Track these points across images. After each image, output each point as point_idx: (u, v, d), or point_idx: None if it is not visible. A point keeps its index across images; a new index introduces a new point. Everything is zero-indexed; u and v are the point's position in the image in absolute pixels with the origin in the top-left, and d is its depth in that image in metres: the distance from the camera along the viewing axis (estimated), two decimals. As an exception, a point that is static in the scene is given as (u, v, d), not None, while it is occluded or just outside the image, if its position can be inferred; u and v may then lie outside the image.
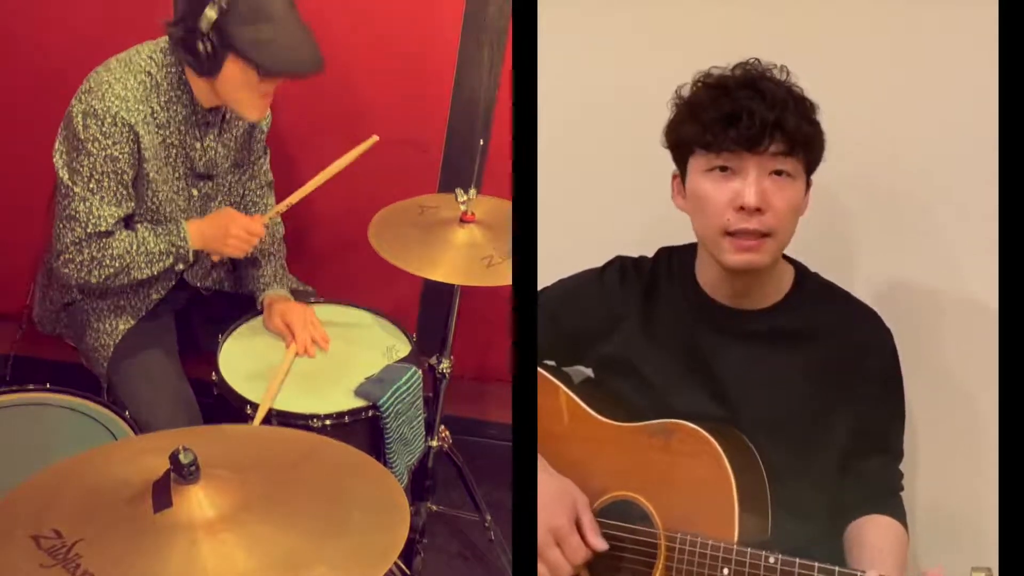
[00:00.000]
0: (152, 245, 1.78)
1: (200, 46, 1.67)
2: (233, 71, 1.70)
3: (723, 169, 1.39)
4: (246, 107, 1.77)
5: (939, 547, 1.65)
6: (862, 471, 1.50)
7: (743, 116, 1.35)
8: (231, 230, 1.82)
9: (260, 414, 1.69)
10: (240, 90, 1.74)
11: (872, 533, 1.47)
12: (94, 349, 1.91)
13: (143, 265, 1.78)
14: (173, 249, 1.80)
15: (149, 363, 1.88)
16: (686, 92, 1.44)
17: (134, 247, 1.76)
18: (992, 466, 1.47)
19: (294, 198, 1.87)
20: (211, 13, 1.64)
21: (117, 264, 1.75)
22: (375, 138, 1.87)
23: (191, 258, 1.83)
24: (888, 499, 1.52)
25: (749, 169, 1.37)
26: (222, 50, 1.67)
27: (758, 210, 1.37)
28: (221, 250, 1.85)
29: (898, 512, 1.50)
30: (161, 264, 1.80)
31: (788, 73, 1.41)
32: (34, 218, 1.97)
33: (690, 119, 1.42)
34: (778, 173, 1.38)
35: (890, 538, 1.46)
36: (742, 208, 1.37)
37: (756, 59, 1.42)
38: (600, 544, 1.45)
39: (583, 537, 1.45)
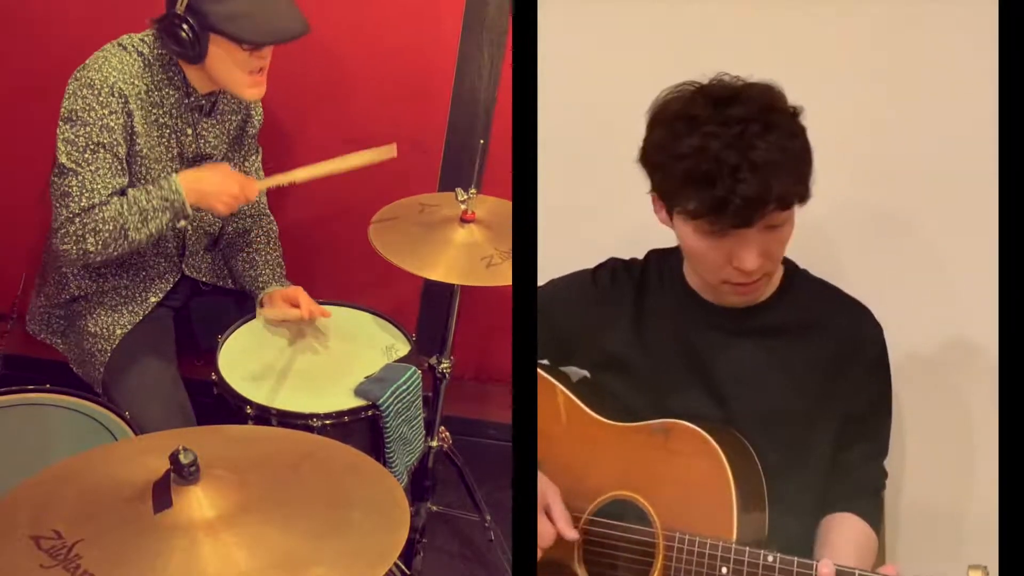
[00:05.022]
0: (144, 202, 1.73)
1: (182, 32, 1.69)
2: (218, 51, 1.71)
3: (715, 233, 1.34)
4: (241, 87, 1.77)
5: (934, 545, 1.65)
6: (846, 463, 1.50)
7: (737, 201, 1.26)
8: (234, 190, 1.78)
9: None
10: (231, 69, 1.74)
11: (836, 528, 1.47)
12: (90, 354, 1.90)
13: (139, 224, 1.72)
14: (167, 203, 1.74)
15: (145, 371, 1.87)
16: (659, 134, 1.34)
17: (126, 207, 1.72)
18: (989, 464, 1.47)
19: (298, 176, 1.83)
20: None
21: (111, 226, 1.70)
22: (394, 149, 1.85)
23: (189, 211, 1.77)
24: (866, 496, 1.51)
25: (744, 234, 1.32)
26: (202, 32, 1.69)
27: None
28: (219, 207, 1.79)
29: (872, 512, 1.50)
30: (158, 221, 1.74)
31: (774, 92, 1.33)
32: (28, 216, 1.97)
33: (677, 185, 1.32)
34: (772, 226, 1.33)
35: (853, 535, 1.46)
36: (744, 271, 1.35)
37: (737, 79, 1.33)
38: (570, 534, 1.44)
39: (554, 525, 1.45)
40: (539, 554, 1.46)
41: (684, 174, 1.30)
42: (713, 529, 1.37)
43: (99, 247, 1.71)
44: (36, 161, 1.82)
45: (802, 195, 1.32)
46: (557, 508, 1.47)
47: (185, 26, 1.68)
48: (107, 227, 1.71)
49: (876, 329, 1.52)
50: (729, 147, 1.27)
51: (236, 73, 1.75)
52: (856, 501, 1.50)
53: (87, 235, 1.70)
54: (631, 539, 1.46)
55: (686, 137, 1.30)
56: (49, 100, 1.78)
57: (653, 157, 1.37)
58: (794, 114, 1.34)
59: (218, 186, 1.78)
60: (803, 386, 1.48)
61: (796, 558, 1.29)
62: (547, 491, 1.48)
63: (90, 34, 1.82)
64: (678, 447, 1.44)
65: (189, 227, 1.94)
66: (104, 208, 1.72)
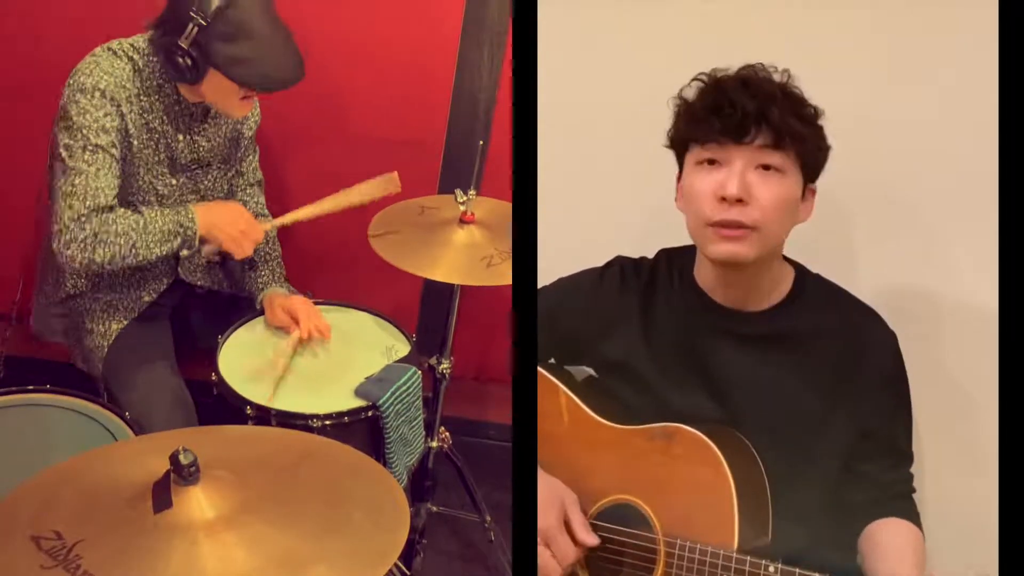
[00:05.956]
0: (160, 223, 1.74)
1: (180, 60, 1.69)
2: (214, 82, 1.72)
3: (711, 162, 1.40)
4: (229, 109, 1.79)
5: (938, 547, 1.65)
6: (870, 473, 1.49)
7: (726, 106, 1.37)
8: (234, 223, 1.81)
9: (271, 392, 1.74)
10: (222, 97, 1.76)
11: (887, 535, 1.47)
12: (90, 351, 1.91)
13: (152, 244, 1.73)
14: (180, 230, 1.76)
15: (143, 362, 1.87)
16: (686, 92, 1.45)
17: (140, 224, 1.73)
18: (992, 466, 1.46)
19: (302, 214, 1.88)
20: (192, 30, 1.65)
21: (122, 241, 1.71)
22: (397, 181, 1.89)
23: (196, 243, 1.79)
24: (899, 501, 1.51)
25: (734, 161, 1.38)
26: (203, 64, 1.69)
27: (740, 201, 1.37)
28: (225, 241, 1.81)
29: (911, 514, 1.50)
30: (169, 245, 1.75)
31: (789, 76, 1.42)
32: (26, 217, 1.97)
33: (683, 115, 1.44)
34: (766, 168, 1.38)
35: (905, 539, 1.46)
36: (724, 199, 1.38)
37: (761, 64, 1.42)
38: (591, 540, 1.45)
39: (573, 535, 1.45)
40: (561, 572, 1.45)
41: (698, 103, 1.42)
42: (715, 536, 1.36)
43: (106, 259, 1.71)
44: (34, 161, 1.82)
45: (797, 135, 1.38)
46: (577, 516, 1.46)
47: (187, 58, 1.69)
48: (118, 241, 1.71)
49: (889, 336, 1.50)
50: (737, 81, 1.40)
51: (227, 100, 1.77)
52: (891, 505, 1.50)
53: (96, 246, 1.70)
54: (632, 544, 1.45)
55: (710, 91, 1.42)
56: (46, 101, 1.78)
57: (676, 112, 1.46)
58: (810, 101, 1.42)
59: (228, 222, 1.81)
60: (812, 391, 1.47)
61: (797, 569, 1.30)
62: (565, 498, 1.47)
63: (86, 34, 1.82)
64: (680, 452, 1.43)
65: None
66: (115, 218, 1.71)
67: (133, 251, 1.73)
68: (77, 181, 1.70)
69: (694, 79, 1.44)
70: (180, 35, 1.66)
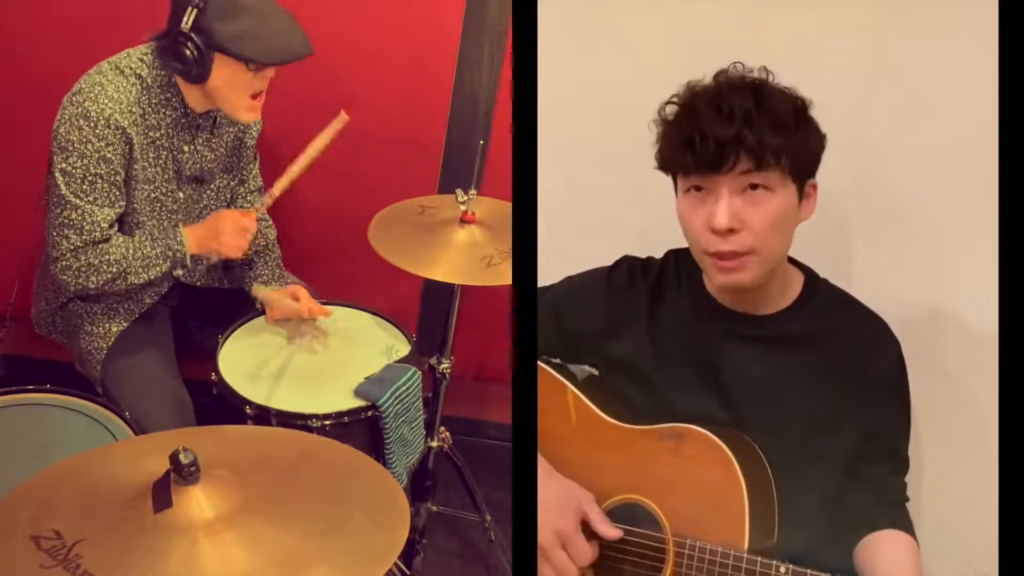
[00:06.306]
0: (148, 250, 1.78)
1: (187, 51, 1.68)
2: (222, 71, 1.71)
3: (697, 189, 1.37)
4: (239, 109, 1.78)
5: (939, 548, 1.65)
6: (868, 477, 1.49)
7: (698, 140, 1.32)
8: (223, 226, 1.82)
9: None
10: (232, 91, 1.74)
11: (884, 544, 1.47)
12: (87, 352, 1.91)
13: (140, 270, 1.78)
14: (169, 253, 1.80)
15: (141, 365, 1.87)
16: (665, 111, 1.42)
17: (131, 252, 1.77)
18: (992, 467, 1.46)
19: (276, 189, 1.85)
20: (191, 14, 1.65)
21: (114, 269, 1.76)
22: (344, 117, 1.85)
23: (189, 262, 1.83)
24: (895, 510, 1.51)
25: (720, 188, 1.35)
26: (208, 51, 1.68)
27: (732, 230, 1.34)
28: (218, 250, 1.84)
29: (906, 523, 1.50)
30: (158, 268, 1.80)
31: (768, 73, 1.38)
32: (23, 217, 1.97)
33: (664, 142, 1.41)
34: (753, 187, 1.34)
35: (903, 547, 1.47)
36: (715, 230, 1.36)
37: (738, 63, 1.39)
38: (613, 532, 1.44)
39: (594, 529, 1.44)
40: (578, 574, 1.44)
41: (675, 133, 1.38)
42: (724, 536, 1.36)
43: (99, 285, 1.77)
44: (33, 162, 1.81)
45: (779, 150, 1.32)
46: (595, 513, 1.45)
47: (190, 44, 1.67)
48: (111, 269, 1.76)
49: (894, 343, 1.50)
50: (710, 103, 1.34)
51: (236, 95, 1.75)
52: (889, 514, 1.50)
53: (90, 274, 1.75)
54: (641, 543, 1.45)
55: (686, 118, 1.38)
56: (46, 101, 1.77)
57: (658, 136, 1.43)
58: (793, 95, 1.38)
59: (218, 231, 1.82)
60: (817, 396, 1.46)
61: (809, 570, 1.29)
62: (582, 499, 1.46)
63: (86, 34, 1.82)
64: (690, 453, 1.43)
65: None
66: (107, 247, 1.75)
67: (123, 276, 1.78)
68: (74, 216, 1.71)
69: (668, 102, 1.41)
70: (181, 23, 1.67)
